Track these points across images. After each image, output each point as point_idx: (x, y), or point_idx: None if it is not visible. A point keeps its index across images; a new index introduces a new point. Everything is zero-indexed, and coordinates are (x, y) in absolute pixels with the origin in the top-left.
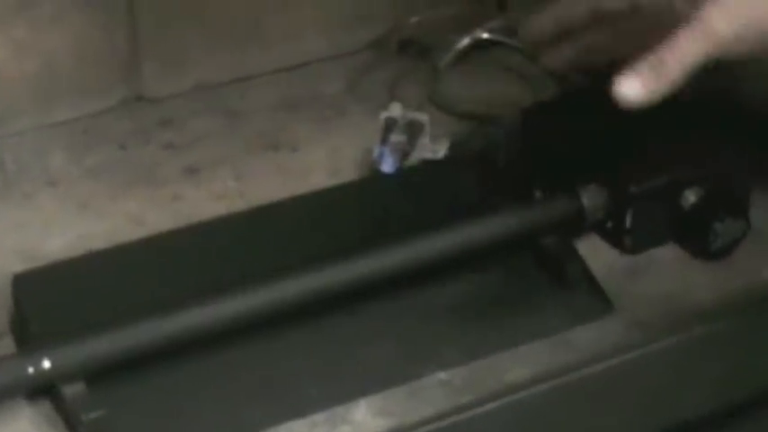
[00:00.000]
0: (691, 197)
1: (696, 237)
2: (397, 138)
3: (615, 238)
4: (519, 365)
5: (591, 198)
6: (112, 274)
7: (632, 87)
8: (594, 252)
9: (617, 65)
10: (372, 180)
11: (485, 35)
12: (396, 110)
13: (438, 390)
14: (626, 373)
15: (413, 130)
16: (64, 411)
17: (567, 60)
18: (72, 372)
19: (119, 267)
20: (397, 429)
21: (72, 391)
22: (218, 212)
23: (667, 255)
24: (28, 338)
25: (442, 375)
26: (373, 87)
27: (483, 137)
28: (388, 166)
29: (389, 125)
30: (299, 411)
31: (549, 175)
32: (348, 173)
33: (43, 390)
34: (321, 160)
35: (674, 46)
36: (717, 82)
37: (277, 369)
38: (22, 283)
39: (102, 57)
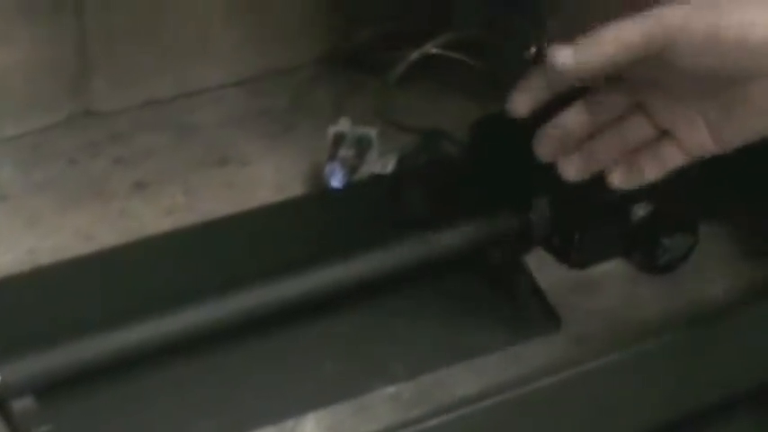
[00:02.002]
0: (639, 212)
1: (644, 251)
2: (345, 152)
3: (563, 252)
4: (467, 380)
5: (538, 213)
6: (61, 290)
7: (563, 54)
8: (542, 267)
9: None
10: (321, 195)
11: (434, 50)
12: (344, 124)
13: (387, 404)
14: (573, 387)
15: (361, 144)
16: (13, 426)
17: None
18: (21, 386)
19: (68, 282)
20: None
21: (21, 405)
22: (167, 227)
23: (615, 270)
24: None
25: (390, 389)
26: (321, 102)
27: (431, 151)
28: (336, 181)
29: (338, 140)
30: (247, 425)
31: (497, 190)
32: (296, 187)
33: None
34: (269, 175)
35: (616, 23)
36: None
37: (226, 383)
38: None
39: (51, 72)
